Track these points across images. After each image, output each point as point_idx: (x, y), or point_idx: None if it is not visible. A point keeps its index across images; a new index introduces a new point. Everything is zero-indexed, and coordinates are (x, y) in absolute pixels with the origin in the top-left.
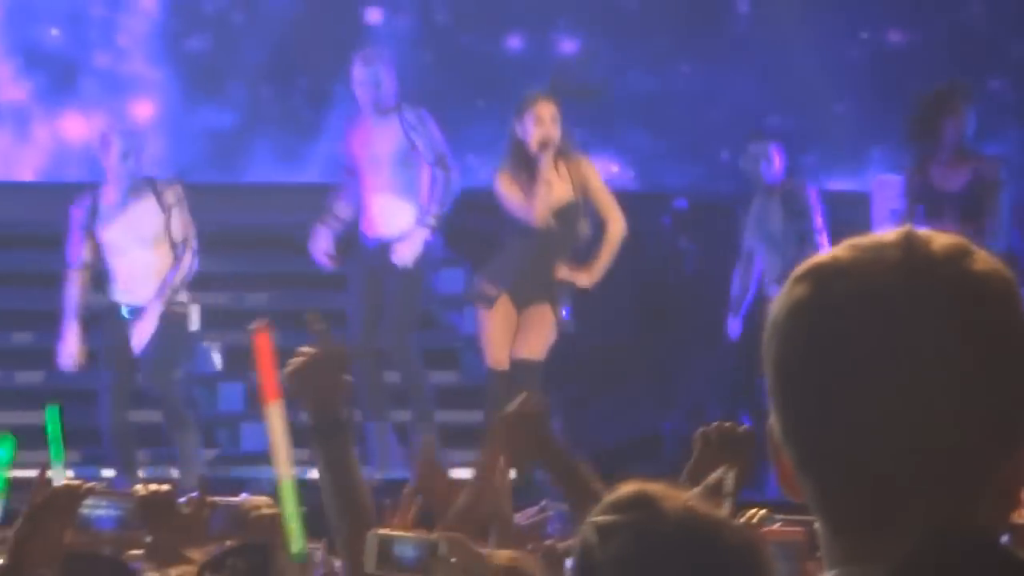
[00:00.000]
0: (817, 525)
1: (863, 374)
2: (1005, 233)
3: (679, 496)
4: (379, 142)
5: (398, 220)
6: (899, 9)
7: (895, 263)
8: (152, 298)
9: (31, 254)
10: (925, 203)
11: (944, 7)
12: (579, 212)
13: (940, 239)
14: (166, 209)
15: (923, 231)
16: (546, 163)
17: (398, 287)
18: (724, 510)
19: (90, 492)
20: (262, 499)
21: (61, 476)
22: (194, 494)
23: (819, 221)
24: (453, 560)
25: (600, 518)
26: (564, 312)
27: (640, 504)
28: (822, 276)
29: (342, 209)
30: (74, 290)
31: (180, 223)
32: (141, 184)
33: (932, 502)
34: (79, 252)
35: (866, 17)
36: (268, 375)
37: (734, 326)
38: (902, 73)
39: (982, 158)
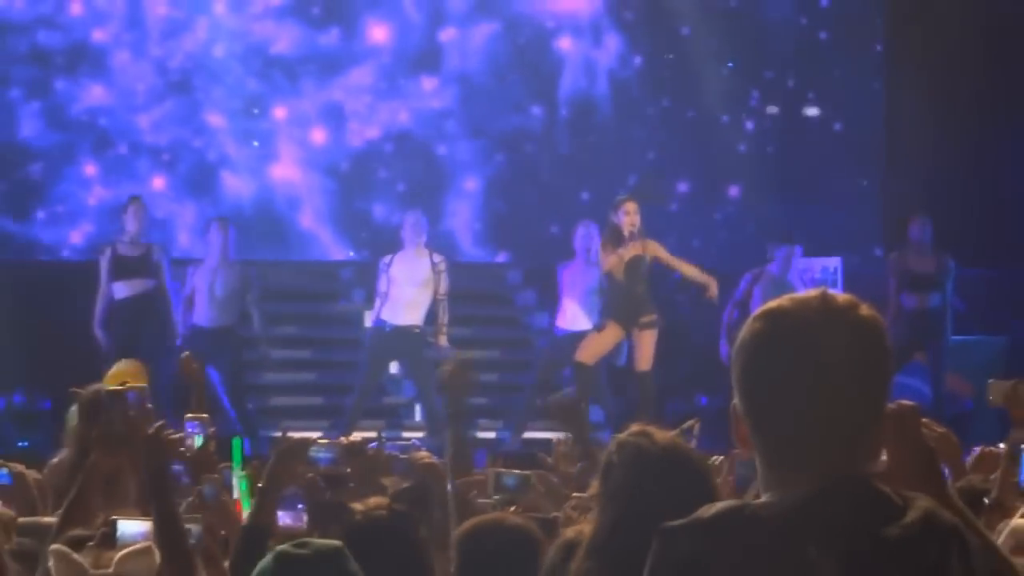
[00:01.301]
0: (759, 465)
1: (795, 375)
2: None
3: (666, 433)
4: (584, 280)
5: (583, 322)
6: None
7: (817, 308)
8: (439, 332)
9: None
10: (910, 280)
11: None
12: (642, 267)
13: (842, 296)
14: (436, 269)
15: (833, 291)
16: (628, 243)
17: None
18: (691, 444)
19: (314, 442)
20: (424, 451)
21: (239, 479)
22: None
23: None
24: (541, 488)
25: (619, 436)
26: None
27: (643, 433)
28: (772, 315)
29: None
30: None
31: (446, 280)
32: (423, 247)
33: (831, 453)
34: (380, 285)
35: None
36: None
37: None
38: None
39: (940, 252)
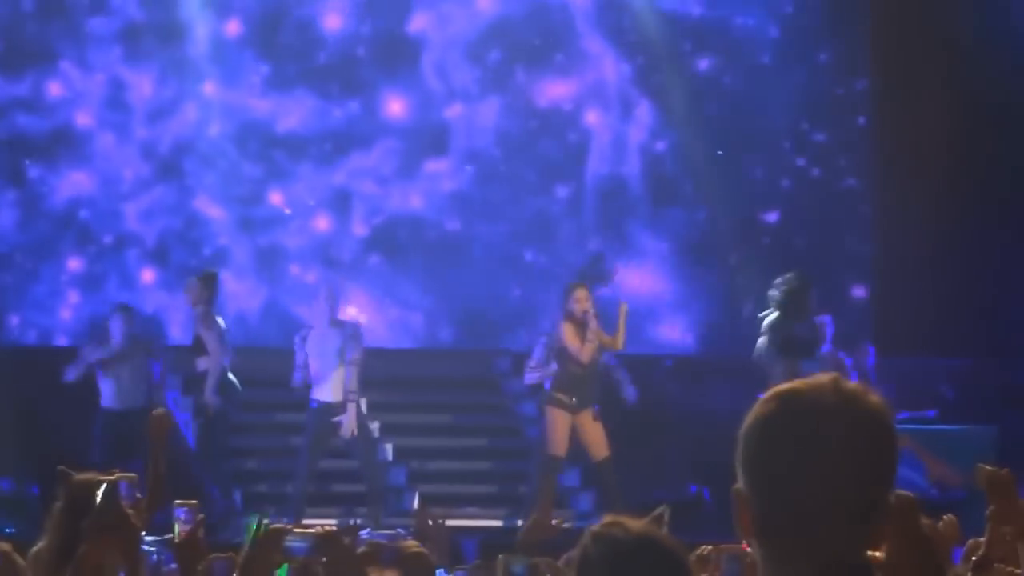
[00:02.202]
0: (757, 553)
1: (801, 459)
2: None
3: (640, 522)
4: None
5: None
6: None
7: (829, 393)
8: (347, 399)
9: None
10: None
11: None
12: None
13: (852, 383)
14: (346, 334)
15: (845, 380)
16: (592, 325)
17: None
18: (663, 530)
19: (290, 531)
20: (411, 542)
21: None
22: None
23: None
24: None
25: (592, 528)
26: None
27: (616, 523)
28: (783, 397)
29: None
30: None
31: (356, 350)
32: (336, 318)
33: (832, 542)
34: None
35: None
36: None
37: None
38: None
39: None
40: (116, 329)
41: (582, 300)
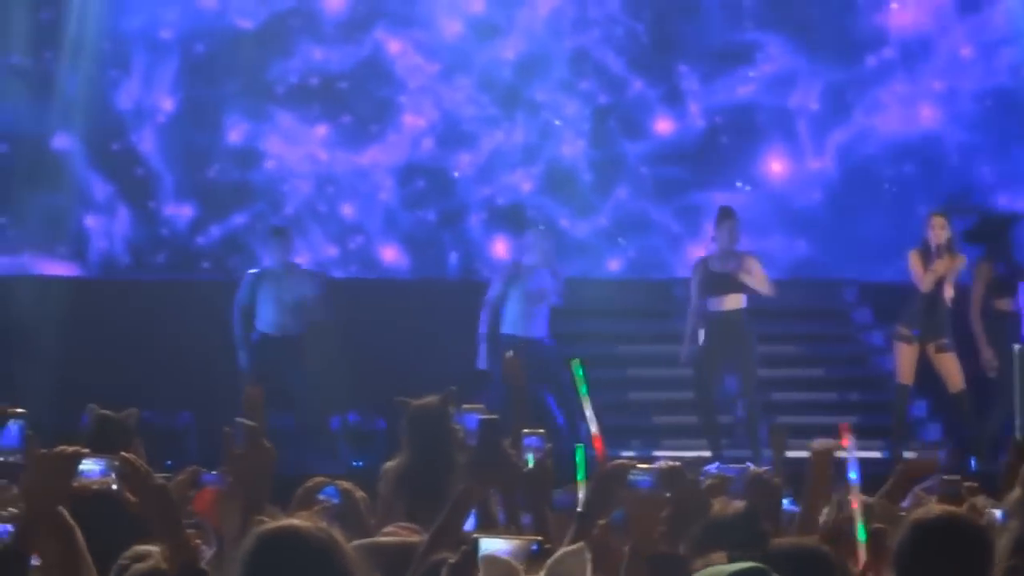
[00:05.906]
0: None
1: None
2: None
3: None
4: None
5: None
6: None
7: None
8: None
9: None
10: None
11: None
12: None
13: None
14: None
15: None
16: (937, 255)
17: None
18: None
19: (632, 466)
20: (759, 470)
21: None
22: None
23: None
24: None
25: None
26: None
27: None
28: None
29: None
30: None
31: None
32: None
33: None
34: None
35: None
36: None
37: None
38: None
39: None
40: (271, 252)
41: (936, 228)
